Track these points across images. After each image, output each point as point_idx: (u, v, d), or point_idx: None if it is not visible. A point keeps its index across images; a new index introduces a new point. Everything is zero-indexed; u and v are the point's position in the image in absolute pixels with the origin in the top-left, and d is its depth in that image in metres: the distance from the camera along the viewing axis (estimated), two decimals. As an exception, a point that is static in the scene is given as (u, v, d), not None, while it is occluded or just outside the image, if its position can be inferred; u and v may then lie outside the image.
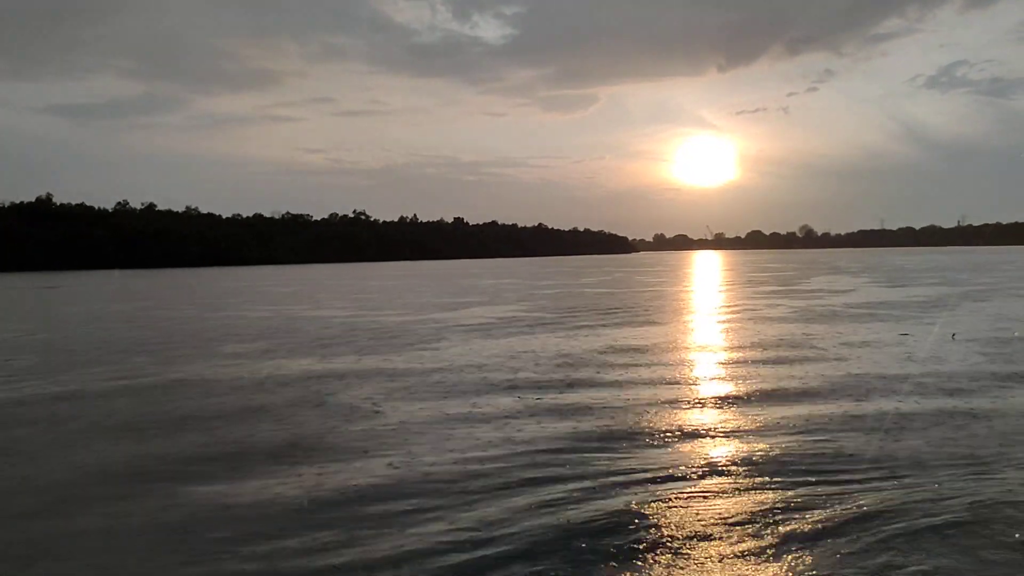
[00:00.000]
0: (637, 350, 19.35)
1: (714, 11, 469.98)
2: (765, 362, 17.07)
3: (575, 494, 8.01)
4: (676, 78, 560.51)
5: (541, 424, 11.23)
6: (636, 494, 7.95)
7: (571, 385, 14.45)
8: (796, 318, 27.65)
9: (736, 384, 14.44)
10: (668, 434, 10.56)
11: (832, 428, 10.67)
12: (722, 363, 17.27)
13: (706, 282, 61.89)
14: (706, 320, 27.94)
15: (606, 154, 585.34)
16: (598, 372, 15.92)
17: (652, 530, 7.09)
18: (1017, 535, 6.87)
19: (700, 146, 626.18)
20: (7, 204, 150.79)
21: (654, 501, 7.76)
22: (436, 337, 22.90)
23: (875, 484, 8.15)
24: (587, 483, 8.42)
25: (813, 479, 8.35)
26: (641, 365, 16.91)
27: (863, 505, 7.50)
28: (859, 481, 8.28)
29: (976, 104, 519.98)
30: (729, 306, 35.45)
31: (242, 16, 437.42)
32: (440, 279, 75.07)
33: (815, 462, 9.02)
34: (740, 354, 18.57)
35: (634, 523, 7.25)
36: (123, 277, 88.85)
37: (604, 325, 25.66)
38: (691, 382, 14.87)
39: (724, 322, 27.03)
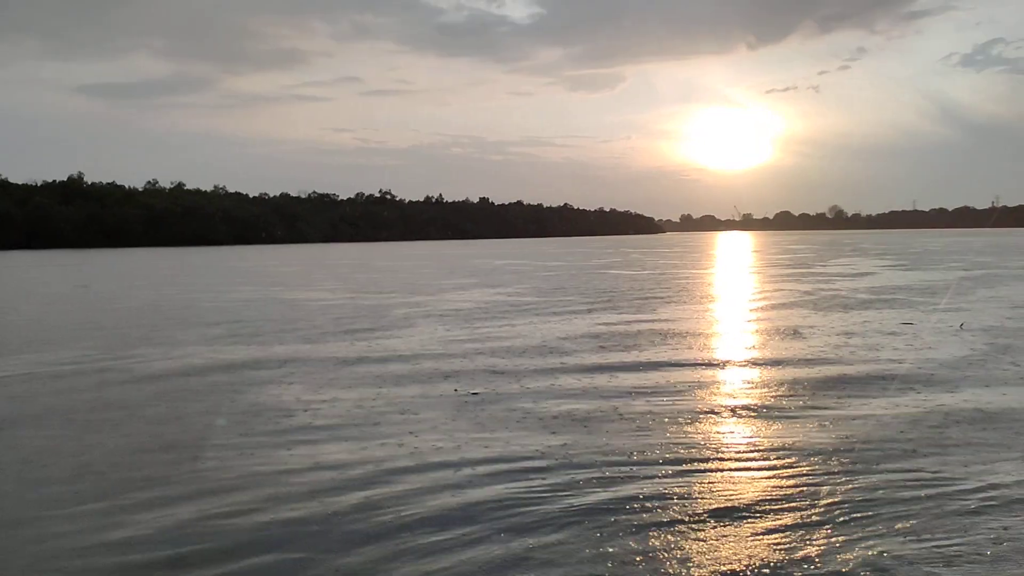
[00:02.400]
0: (597, 336, 18.16)
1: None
2: (736, 352, 15.90)
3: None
4: (704, 56, 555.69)
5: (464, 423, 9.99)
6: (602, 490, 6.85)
7: (521, 375, 13.15)
8: (796, 303, 26.57)
9: (698, 374, 13.09)
10: (624, 424, 9.28)
11: (780, 430, 9.40)
12: (695, 352, 15.89)
13: (719, 264, 60.50)
14: (700, 305, 26.59)
15: (633, 134, 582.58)
16: (547, 360, 14.67)
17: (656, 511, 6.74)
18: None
19: (728, 125, 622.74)
20: (39, 183, 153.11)
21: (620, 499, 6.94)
22: (405, 323, 21.92)
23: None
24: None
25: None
26: (589, 351, 15.67)
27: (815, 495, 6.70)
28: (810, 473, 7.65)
29: (1012, 83, 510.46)
30: (732, 289, 34.37)
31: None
32: (452, 259, 74.44)
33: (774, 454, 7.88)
34: (716, 343, 17.39)
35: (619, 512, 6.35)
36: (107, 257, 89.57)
37: (589, 311, 24.56)
38: (656, 371, 13.38)
39: (720, 307, 25.94)
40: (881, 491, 7.48)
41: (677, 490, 7.61)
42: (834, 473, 8.07)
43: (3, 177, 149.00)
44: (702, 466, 8.44)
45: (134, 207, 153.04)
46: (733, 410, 11.03)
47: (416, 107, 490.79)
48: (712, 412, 10.85)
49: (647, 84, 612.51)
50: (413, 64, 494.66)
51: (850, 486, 7.64)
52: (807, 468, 8.26)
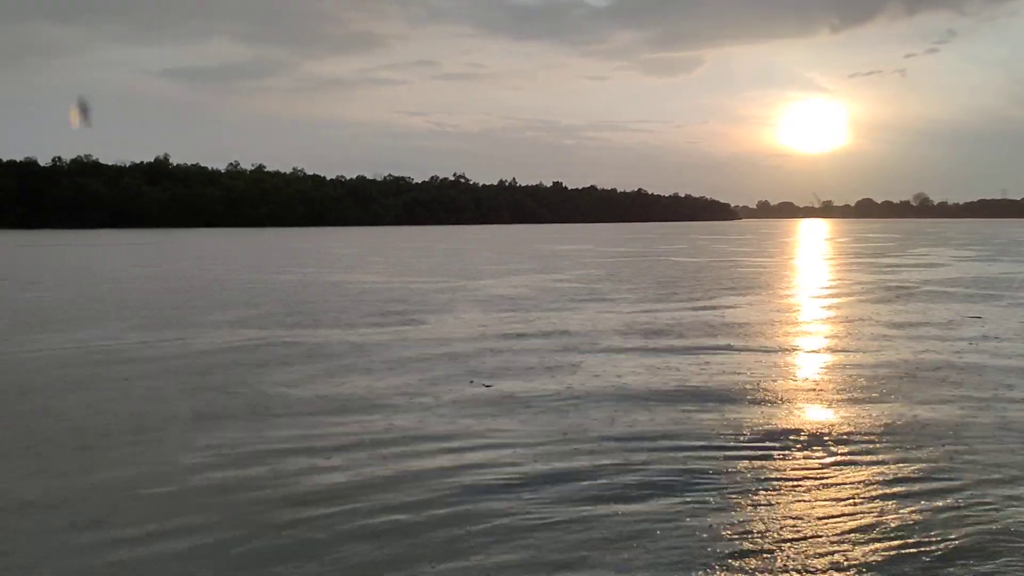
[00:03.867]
0: (629, 327, 17.21)
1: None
2: (782, 347, 14.87)
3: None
4: (785, 39, 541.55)
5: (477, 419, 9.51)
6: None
7: (550, 370, 12.53)
8: (858, 292, 25.58)
9: (746, 370, 12.33)
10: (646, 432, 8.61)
11: (819, 425, 8.56)
12: (737, 345, 14.92)
13: (787, 252, 58.74)
14: (753, 295, 25.40)
15: (709, 118, 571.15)
16: (581, 359, 14.00)
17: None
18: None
19: (809, 110, 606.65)
20: (128, 163, 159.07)
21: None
22: (444, 308, 21.45)
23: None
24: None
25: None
26: (616, 351, 14.85)
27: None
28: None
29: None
30: (791, 279, 33.21)
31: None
32: (515, 243, 74.23)
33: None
34: (762, 335, 16.25)
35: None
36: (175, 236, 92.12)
37: (636, 299, 23.92)
38: (690, 370, 12.56)
39: (773, 298, 24.75)
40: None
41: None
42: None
43: (94, 159, 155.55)
44: (749, 452, 8.40)
45: (217, 189, 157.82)
46: (756, 401, 10.16)
47: (489, 90, 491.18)
48: (740, 406, 9.98)
49: (725, 68, 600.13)
50: (486, 47, 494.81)
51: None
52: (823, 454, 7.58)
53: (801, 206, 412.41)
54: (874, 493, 7.24)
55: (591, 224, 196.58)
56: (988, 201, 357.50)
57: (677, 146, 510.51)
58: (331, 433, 9.17)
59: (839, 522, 6.57)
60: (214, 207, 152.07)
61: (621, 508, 6.89)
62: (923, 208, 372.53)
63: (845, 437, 8.95)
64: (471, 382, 11.91)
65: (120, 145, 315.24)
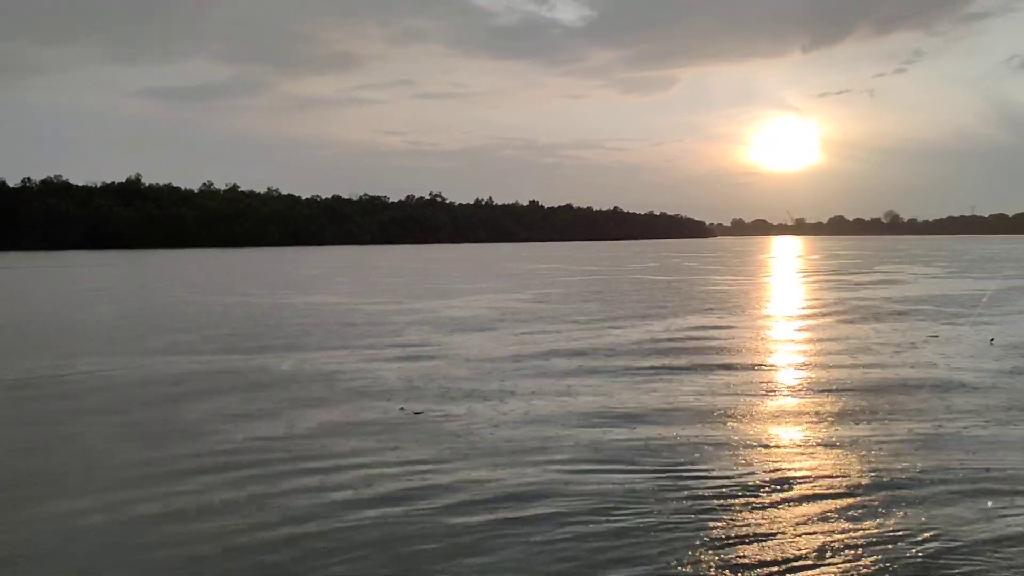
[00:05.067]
0: (581, 351, 16.87)
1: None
2: (726, 366, 14.45)
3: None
4: (759, 59, 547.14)
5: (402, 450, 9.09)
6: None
7: (485, 396, 12.17)
8: (819, 311, 25.46)
9: (682, 391, 11.79)
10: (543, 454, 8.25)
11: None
12: (683, 368, 14.50)
13: (755, 270, 58.75)
14: (714, 314, 25.03)
15: (685, 137, 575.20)
16: (521, 383, 13.63)
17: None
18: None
19: (782, 129, 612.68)
20: (99, 184, 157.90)
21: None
22: (394, 333, 20.92)
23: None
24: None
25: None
26: (559, 376, 14.44)
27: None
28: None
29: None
30: (755, 297, 32.93)
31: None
32: (487, 263, 74.00)
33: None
34: (710, 355, 15.89)
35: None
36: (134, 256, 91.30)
37: (588, 321, 23.50)
38: (625, 395, 12.19)
39: (733, 317, 24.28)
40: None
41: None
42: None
43: (65, 179, 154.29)
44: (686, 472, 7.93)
45: (190, 208, 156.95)
46: (701, 427, 9.64)
47: (468, 109, 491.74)
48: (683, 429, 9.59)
49: (700, 87, 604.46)
50: (465, 67, 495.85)
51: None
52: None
53: (774, 223, 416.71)
54: (814, 513, 7.28)
55: (567, 242, 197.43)
56: (957, 218, 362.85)
57: (653, 164, 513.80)
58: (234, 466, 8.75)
59: (779, 545, 6.58)
60: (188, 227, 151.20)
61: (552, 528, 6.97)
62: (894, 225, 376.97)
63: (780, 459, 8.73)
64: (400, 409, 11.63)
65: (93, 166, 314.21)
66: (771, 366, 15.58)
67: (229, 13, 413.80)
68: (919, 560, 6.28)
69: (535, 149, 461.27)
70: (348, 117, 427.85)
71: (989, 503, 7.49)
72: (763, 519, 7.14)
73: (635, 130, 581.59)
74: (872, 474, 8.37)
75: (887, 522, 7.01)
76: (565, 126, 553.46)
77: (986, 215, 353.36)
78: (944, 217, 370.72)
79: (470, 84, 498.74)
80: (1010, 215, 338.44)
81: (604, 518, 7.21)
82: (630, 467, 8.69)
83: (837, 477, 8.32)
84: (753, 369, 15.01)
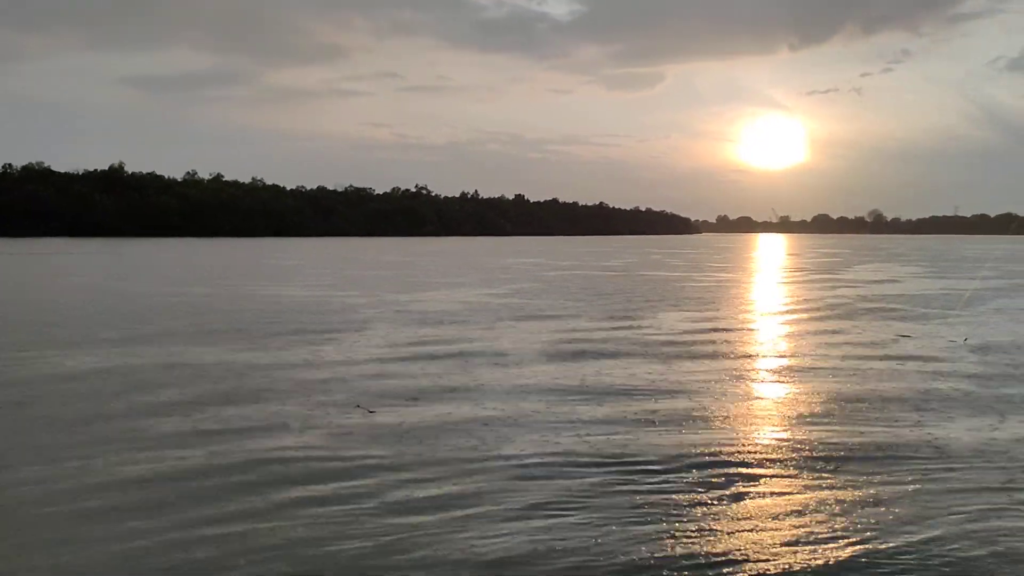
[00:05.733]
0: (550, 348, 16.58)
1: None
2: (692, 365, 14.06)
3: None
4: (746, 57, 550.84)
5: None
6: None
7: (444, 392, 11.90)
8: (794, 310, 25.37)
9: (639, 387, 11.47)
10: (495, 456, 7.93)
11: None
12: (648, 366, 14.20)
13: (735, 267, 58.66)
14: (689, 312, 24.75)
15: (672, 133, 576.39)
16: (480, 380, 13.39)
17: None
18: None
19: (768, 127, 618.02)
20: (81, 171, 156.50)
21: None
22: (361, 326, 20.48)
23: None
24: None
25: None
26: (517, 373, 14.14)
27: None
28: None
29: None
30: (727, 296, 32.64)
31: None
32: (465, 256, 73.75)
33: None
34: (675, 353, 15.47)
35: None
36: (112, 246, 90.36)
37: (560, 316, 23.23)
38: (591, 389, 11.89)
39: (704, 315, 24.02)
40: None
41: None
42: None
43: (46, 166, 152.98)
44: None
45: (172, 197, 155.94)
46: (654, 429, 9.38)
47: (454, 103, 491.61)
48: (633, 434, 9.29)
49: (687, 84, 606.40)
50: (452, 60, 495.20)
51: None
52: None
53: (759, 221, 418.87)
54: (778, 511, 7.24)
55: (552, 237, 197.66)
56: (940, 218, 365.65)
57: (639, 160, 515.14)
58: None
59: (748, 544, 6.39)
60: (171, 217, 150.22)
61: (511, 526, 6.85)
62: (878, 224, 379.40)
63: (742, 459, 8.64)
64: (357, 406, 11.26)
65: (74, 153, 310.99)
66: (730, 362, 15.14)
67: (211, 2, 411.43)
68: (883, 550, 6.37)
69: (521, 144, 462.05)
70: (333, 109, 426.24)
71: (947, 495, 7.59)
72: (722, 512, 7.00)
73: (622, 126, 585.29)
74: (828, 472, 8.29)
75: (847, 515, 7.00)
76: (552, 121, 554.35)
77: (968, 215, 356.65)
78: (927, 217, 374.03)
79: (457, 77, 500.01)
80: (992, 216, 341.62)
81: (546, 512, 7.04)
82: (579, 462, 8.51)
83: (793, 474, 8.24)
84: (712, 364, 14.69)
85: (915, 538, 6.65)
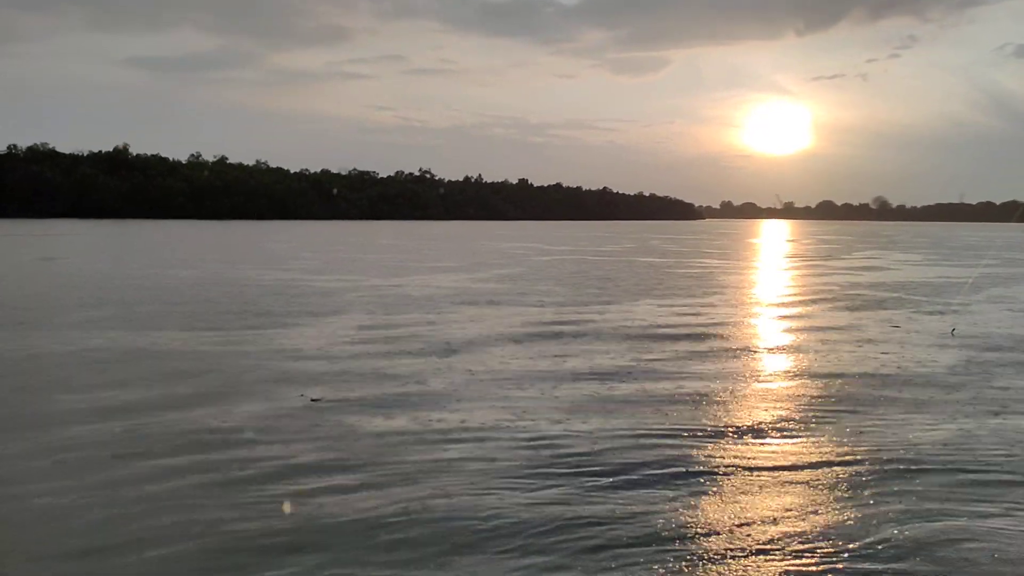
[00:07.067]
0: (523, 335, 16.13)
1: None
2: (682, 353, 13.51)
3: None
4: (752, 42, 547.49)
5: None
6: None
7: (396, 379, 11.40)
8: (776, 300, 25.00)
9: (608, 376, 11.01)
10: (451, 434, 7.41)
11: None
12: (612, 355, 13.76)
13: (733, 253, 58.12)
14: (676, 299, 24.34)
15: (676, 118, 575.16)
16: (443, 368, 12.93)
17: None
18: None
19: (773, 112, 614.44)
20: (86, 153, 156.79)
21: None
22: (336, 310, 20.19)
23: None
24: None
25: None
26: (485, 360, 13.66)
27: None
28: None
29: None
30: (718, 283, 31.90)
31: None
32: (462, 240, 73.28)
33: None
34: (655, 340, 15.01)
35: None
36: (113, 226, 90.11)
37: (542, 304, 22.80)
38: (564, 378, 11.40)
39: (694, 302, 23.55)
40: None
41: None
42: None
43: (51, 147, 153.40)
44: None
45: (177, 180, 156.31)
46: (615, 421, 8.87)
47: (458, 87, 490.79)
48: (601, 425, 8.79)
49: (693, 69, 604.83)
50: (457, 44, 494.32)
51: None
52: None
53: (763, 207, 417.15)
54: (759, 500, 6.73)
55: (555, 222, 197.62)
56: (946, 205, 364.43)
57: (643, 145, 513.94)
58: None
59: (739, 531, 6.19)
60: (175, 199, 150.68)
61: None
62: (882, 211, 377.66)
63: (723, 446, 8.04)
64: (301, 395, 10.82)
65: (79, 134, 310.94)
66: (721, 351, 14.58)
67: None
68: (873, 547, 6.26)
69: (525, 128, 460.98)
70: (338, 92, 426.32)
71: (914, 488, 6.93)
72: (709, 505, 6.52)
73: (626, 111, 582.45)
74: (817, 461, 8.16)
75: (832, 510, 6.79)
76: (556, 105, 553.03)
77: (974, 203, 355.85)
78: (932, 204, 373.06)
79: (461, 61, 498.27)
80: (997, 203, 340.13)
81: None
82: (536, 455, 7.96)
83: (780, 464, 7.96)
84: (713, 359, 14.15)
85: (886, 537, 6.47)
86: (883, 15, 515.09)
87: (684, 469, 8.03)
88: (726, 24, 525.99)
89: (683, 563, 5.90)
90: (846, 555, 6.07)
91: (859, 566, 5.92)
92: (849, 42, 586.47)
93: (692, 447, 8.81)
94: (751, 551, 6.10)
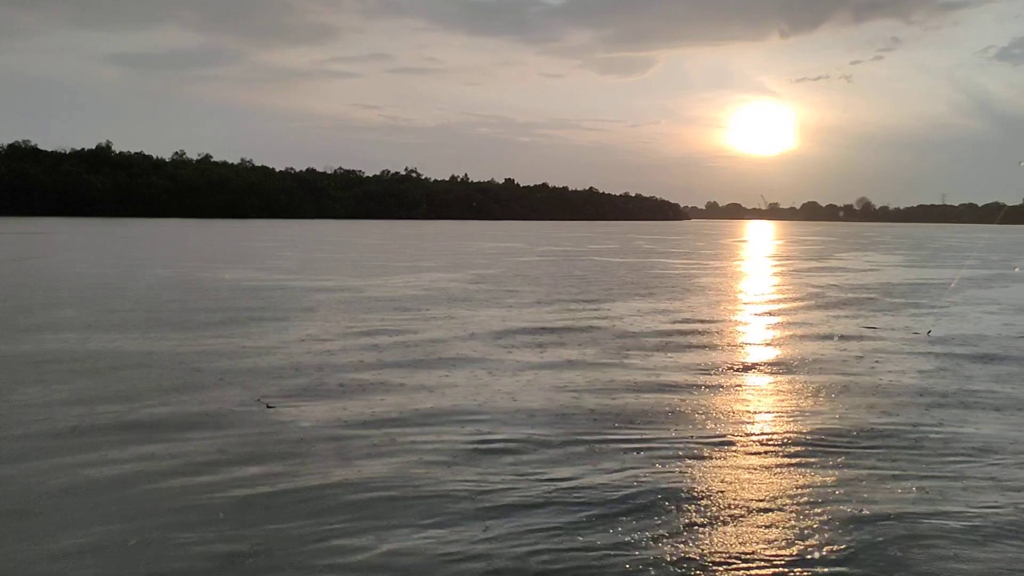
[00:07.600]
0: (499, 333, 15.77)
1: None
2: (637, 354, 13.16)
3: None
4: (737, 43, 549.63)
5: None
6: None
7: (362, 388, 11.09)
8: (763, 300, 24.95)
9: (570, 380, 10.59)
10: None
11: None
12: (572, 356, 13.40)
13: (714, 253, 58.03)
14: (650, 300, 24.03)
15: (662, 119, 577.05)
16: (411, 372, 12.59)
17: None
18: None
19: (758, 113, 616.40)
20: (68, 151, 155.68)
21: None
22: (304, 312, 19.91)
23: None
24: None
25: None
26: (454, 366, 13.40)
27: None
28: None
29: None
30: (692, 283, 31.48)
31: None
32: (444, 239, 73.11)
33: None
34: (623, 342, 14.64)
35: None
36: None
37: (513, 306, 22.52)
38: (527, 381, 11.06)
39: (662, 304, 23.23)
40: None
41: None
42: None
43: (33, 144, 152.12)
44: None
45: (161, 177, 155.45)
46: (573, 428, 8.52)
47: (444, 86, 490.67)
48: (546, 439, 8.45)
49: (678, 69, 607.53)
50: (443, 42, 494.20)
51: None
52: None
53: (748, 207, 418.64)
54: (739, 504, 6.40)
55: (541, 222, 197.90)
56: (928, 207, 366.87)
57: (629, 145, 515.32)
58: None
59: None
60: (159, 197, 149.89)
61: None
62: (866, 212, 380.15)
63: (684, 452, 7.45)
64: (258, 401, 10.42)
65: (61, 131, 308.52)
66: (692, 352, 14.27)
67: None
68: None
69: (511, 127, 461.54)
70: (323, 90, 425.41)
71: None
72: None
73: (612, 111, 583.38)
74: (781, 463, 7.49)
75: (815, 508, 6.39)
76: (542, 105, 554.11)
77: (956, 204, 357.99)
78: (915, 205, 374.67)
79: (447, 60, 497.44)
80: (979, 205, 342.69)
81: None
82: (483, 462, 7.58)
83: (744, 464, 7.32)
84: (680, 362, 13.81)
85: (869, 535, 6.42)
86: (867, 17, 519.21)
87: (653, 486, 7.81)
88: (711, 25, 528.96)
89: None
90: (808, 559, 6.01)
91: (819, 570, 5.84)
92: (833, 44, 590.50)
93: (660, 455, 8.60)
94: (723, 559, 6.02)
